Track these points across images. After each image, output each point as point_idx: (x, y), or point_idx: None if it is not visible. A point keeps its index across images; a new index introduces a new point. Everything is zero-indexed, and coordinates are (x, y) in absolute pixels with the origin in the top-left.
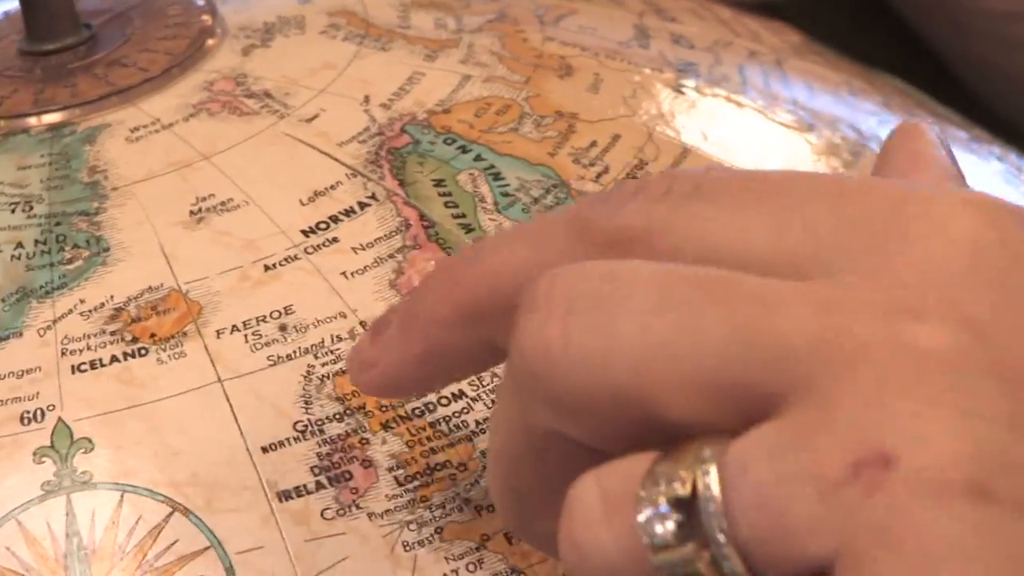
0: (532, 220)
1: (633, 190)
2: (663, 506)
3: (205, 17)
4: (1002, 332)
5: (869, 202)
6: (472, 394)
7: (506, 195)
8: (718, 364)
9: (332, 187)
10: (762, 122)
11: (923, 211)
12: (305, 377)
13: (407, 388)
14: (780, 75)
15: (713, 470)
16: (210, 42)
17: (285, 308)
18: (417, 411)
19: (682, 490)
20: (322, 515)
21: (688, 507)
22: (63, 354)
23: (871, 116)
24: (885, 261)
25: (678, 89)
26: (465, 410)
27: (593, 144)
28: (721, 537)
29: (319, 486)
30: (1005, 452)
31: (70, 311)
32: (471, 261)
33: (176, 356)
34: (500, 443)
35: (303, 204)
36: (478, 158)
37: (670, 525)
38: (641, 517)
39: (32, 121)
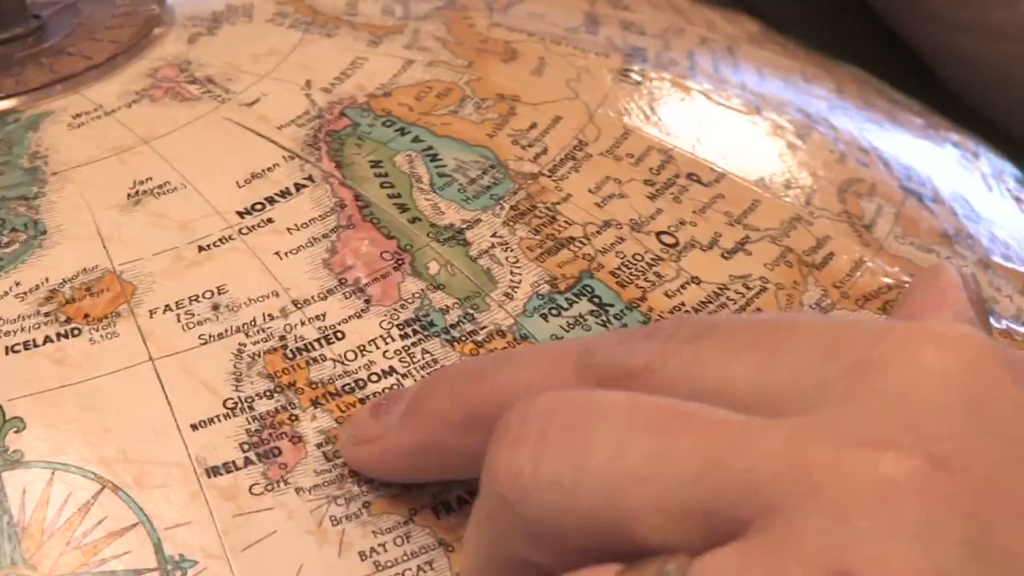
0: (549, 345)
1: (645, 333)
2: None
3: (153, 6)
4: (966, 464)
5: (849, 340)
6: (402, 370)
7: (442, 175)
8: (687, 492)
9: (269, 169)
10: (706, 104)
11: (897, 345)
12: (236, 355)
13: (396, 473)
14: (731, 61)
15: None
16: (157, 31)
17: (218, 288)
18: (347, 387)
19: None
20: (250, 491)
21: None
22: None
23: (821, 100)
24: (856, 394)
25: (623, 73)
26: (395, 387)
27: (533, 126)
28: None
29: (248, 462)
30: None
31: (5, 293)
32: (483, 372)
33: (109, 336)
34: (471, 568)
35: (239, 186)
36: (416, 140)
37: None
38: None
39: None
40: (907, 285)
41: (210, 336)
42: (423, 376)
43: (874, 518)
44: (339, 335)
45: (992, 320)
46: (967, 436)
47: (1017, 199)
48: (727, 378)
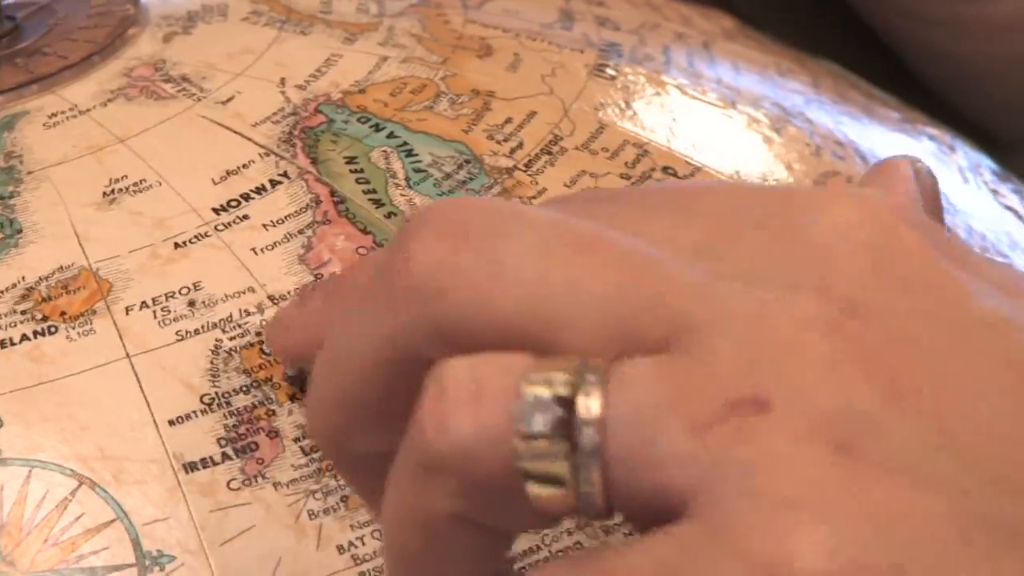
0: None
1: (565, 198)
2: (546, 399)
3: (127, 6)
4: (874, 312)
5: (760, 200)
6: None
7: (418, 171)
8: (605, 308)
9: (244, 166)
10: (681, 98)
11: (806, 203)
12: (213, 351)
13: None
14: (706, 56)
15: (597, 384)
16: (132, 30)
17: (194, 284)
18: None
19: (564, 391)
20: (228, 486)
21: (566, 408)
22: None
23: (797, 94)
24: (767, 246)
25: (598, 68)
26: None
27: (508, 120)
28: (590, 445)
29: (225, 457)
30: (874, 415)
31: None
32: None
33: (85, 333)
34: (353, 357)
35: (215, 183)
36: (391, 135)
37: (548, 417)
38: (520, 405)
39: None
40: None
41: (187, 332)
42: None
43: (787, 351)
44: None
45: None
46: (875, 288)
47: (994, 191)
48: (641, 231)
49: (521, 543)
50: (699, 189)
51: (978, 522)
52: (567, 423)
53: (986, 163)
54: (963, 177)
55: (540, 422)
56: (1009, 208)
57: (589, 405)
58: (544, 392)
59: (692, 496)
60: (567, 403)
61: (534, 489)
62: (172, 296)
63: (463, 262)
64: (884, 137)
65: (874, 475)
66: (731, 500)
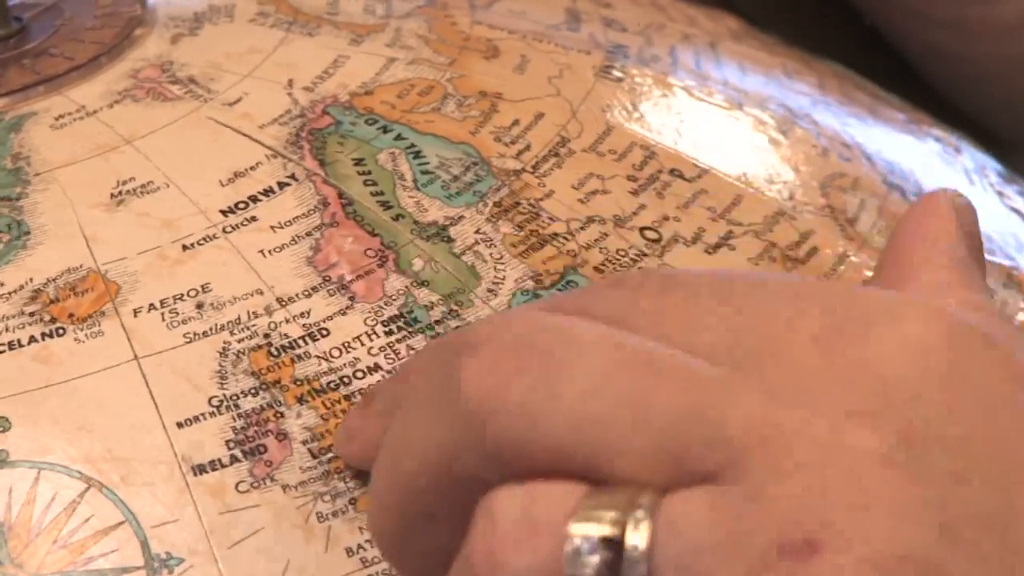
0: (519, 307)
1: (609, 282)
2: (595, 541)
3: (134, 7)
4: (938, 443)
5: (819, 304)
6: (387, 367)
7: (425, 173)
8: (660, 437)
9: (252, 168)
10: (688, 100)
11: (875, 315)
12: (221, 353)
13: None
14: (712, 57)
15: (646, 521)
16: (138, 31)
17: (202, 286)
18: (332, 384)
19: (612, 531)
20: (236, 488)
21: (615, 549)
22: None
23: (803, 96)
24: (826, 361)
25: (605, 69)
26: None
27: (516, 123)
28: None
29: (234, 459)
30: (930, 559)
31: None
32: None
33: (93, 335)
34: (410, 469)
35: (223, 185)
36: (399, 137)
37: (596, 560)
38: (571, 546)
39: None
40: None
41: (195, 334)
42: None
43: (841, 487)
44: (324, 332)
45: None
46: (938, 413)
47: (1000, 193)
48: (694, 331)
49: None
50: (756, 285)
51: None
52: (616, 564)
53: (991, 165)
54: (969, 179)
55: (589, 565)
56: (1015, 210)
57: (637, 544)
58: (593, 532)
59: None
60: (616, 544)
61: None
62: (180, 298)
63: (517, 388)
64: (890, 138)
65: None
66: None
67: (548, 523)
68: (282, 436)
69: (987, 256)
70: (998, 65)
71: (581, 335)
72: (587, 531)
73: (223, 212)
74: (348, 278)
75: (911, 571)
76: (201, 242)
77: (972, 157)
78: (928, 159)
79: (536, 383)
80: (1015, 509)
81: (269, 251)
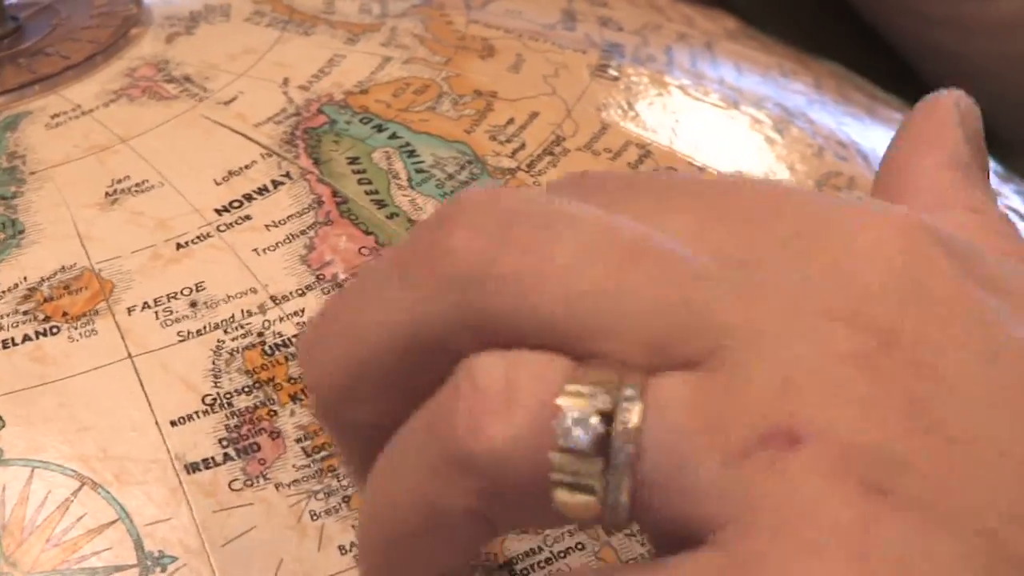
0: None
1: (570, 180)
2: (591, 415)
3: (130, 7)
4: (908, 343)
5: (790, 209)
6: None
7: (420, 171)
8: (644, 322)
9: (247, 167)
10: (684, 99)
11: (839, 220)
12: (215, 351)
13: None
14: (709, 56)
15: (637, 400)
16: (134, 30)
17: (196, 285)
18: None
19: (604, 406)
20: (230, 486)
21: (606, 425)
22: None
23: (799, 95)
24: (799, 264)
25: (601, 68)
26: None
27: (511, 121)
28: (624, 462)
29: (227, 458)
30: (905, 454)
31: None
32: None
33: (87, 334)
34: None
35: (217, 184)
36: (393, 136)
37: (588, 433)
38: (560, 419)
39: None
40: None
41: (188, 333)
42: None
43: (819, 383)
44: None
45: None
46: (910, 318)
47: (996, 193)
48: (665, 229)
49: (522, 544)
50: (724, 185)
51: (1003, 562)
52: (605, 439)
53: (989, 164)
54: None
55: (579, 438)
56: (1011, 208)
57: (627, 423)
58: (583, 406)
59: (719, 526)
60: (606, 419)
61: (562, 496)
62: (174, 297)
63: (509, 256)
64: (887, 138)
65: (901, 518)
66: (757, 537)
67: (533, 393)
68: (275, 434)
69: None
70: (995, 63)
71: (569, 211)
72: (579, 406)
73: (217, 211)
74: (342, 276)
75: (882, 464)
76: (195, 241)
77: None
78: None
79: (528, 253)
80: (982, 409)
81: (263, 249)
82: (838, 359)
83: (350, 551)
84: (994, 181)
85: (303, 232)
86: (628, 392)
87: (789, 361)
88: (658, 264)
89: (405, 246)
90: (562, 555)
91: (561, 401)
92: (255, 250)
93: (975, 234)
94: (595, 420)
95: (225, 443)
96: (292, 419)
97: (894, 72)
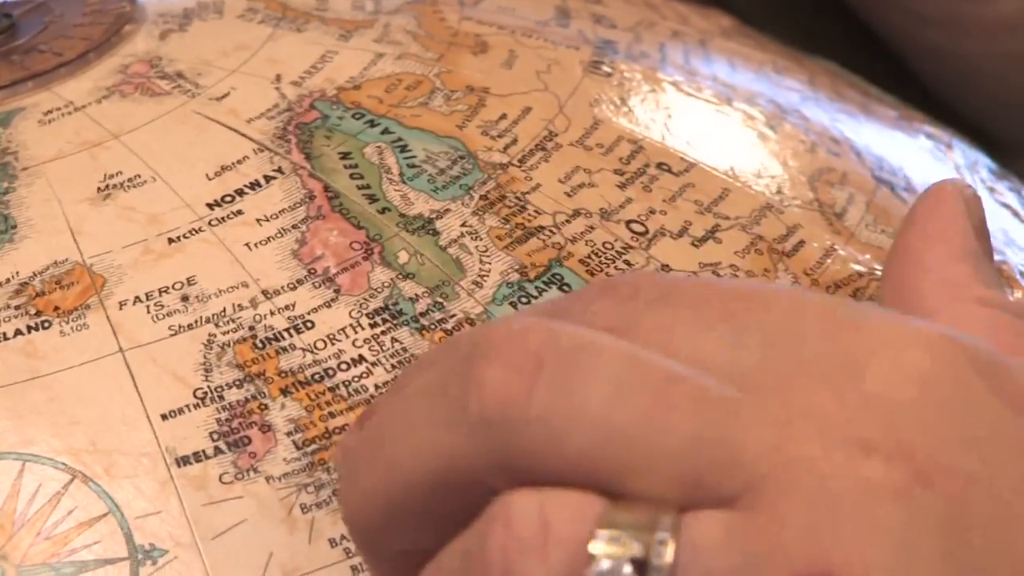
0: (513, 315)
1: (602, 289)
2: (624, 563)
3: (123, 4)
4: (946, 477)
5: (827, 328)
6: (372, 359)
7: (412, 166)
8: (677, 459)
9: (239, 162)
10: (676, 95)
11: (878, 343)
12: (206, 345)
13: None
14: (702, 53)
15: (671, 541)
16: (128, 28)
17: (188, 279)
18: (317, 376)
19: (636, 551)
20: (220, 479)
21: (639, 568)
22: None
23: (793, 92)
24: (838, 389)
25: (594, 65)
26: (365, 375)
27: (503, 116)
28: None
29: (217, 451)
30: None
31: None
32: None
33: (79, 328)
34: (409, 467)
35: (209, 179)
36: (385, 131)
37: None
38: (597, 565)
39: None
40: (881, 268)
41: (180, 327)
42: (393, 364)
43: (856, 521)
44: (308, 324)
45: None
46: (947, 448)
47: (991, 189)
48: (698, 348)
49: None
50: (757, 299)
51: None
52: None
53: (984, 161)
54: (960, 175)
55: None
56: (1005, 205)
57: (662, 564)
58: (617, 553)
59: None
60: (639, 566)
61: None
62: (165, 291)
63: (537, 399)
64: (880, 134)
65: None
66: None
67: (566, 533)
68: (266, 428)
69: None
70: (992, 64)
71: (598, 347)
72: (612, 550)
73: (209, 205)
74: (333, 271)
75: None
76: (187, 235)
77: (964, 154)
78: (919, 155)
79: (557, 394)
80: (1013, 550)
81: (255, 244)
82: (874, 494)
83: (340, 544)
84: (989, 178)
85: (295, 226)
86: (662, 534)
87: (824, 497)
88: (689, 400)
89: (438, 374)
90: None
91: (594, 548)
92: (247, 244)
93: (989, 331)
94: (628, 570)
95: (216, 436)
96: (282, 412)
97: (891, 73)
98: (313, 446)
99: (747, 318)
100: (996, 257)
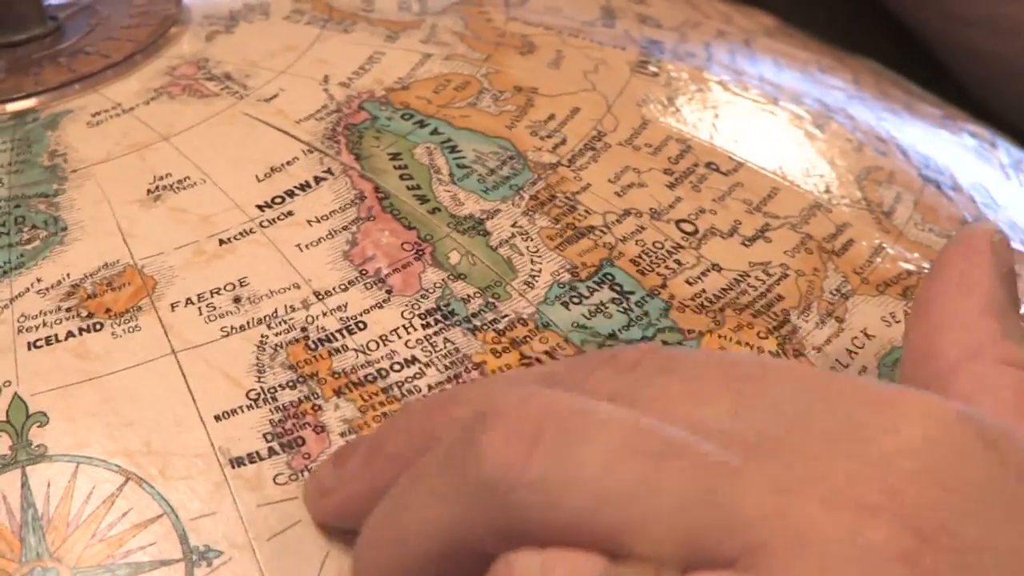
0: (508, 374)
1: (604, 359)
2: None
3: (169, 6)
4: (948, 540)
5: (831, 401)
6: (424, 359)
7: (462, 167)
8: (675, 520)
9: (288, 163)
10: (723, 94)
11: (881, 412)
12: (258, 347)
13: (363, 519)
14: (748, 53)
15: None
16: (174, 29)
17: (239, 280)
18: (370, 377)
19: None
20: (274, 480)
21: None
22: (19, 331)
23: (838, 91)
24: (842, 456)
25: (640, 65)
26: (418, 375)
27: (551, 117)
28: None
29: (271, 452)
30: None
31: (27, 289)
32: (439, 405)
33: (131, 330)
34: (417, 541)
35: (259, 180)
36: (435, 132)
37: None
38: None
39: None
40: (929, 267)
41: (232, 328)
42: (445, 365)
43: None
44: (361, 325)
45: None
46: (949, 513)
47: None
48: (700, 418)
49: None
50: (756, 373)
51: None
52: None
53: None
54: (1004, 174)
55: None
56: None
57: None
58: None
59: None
60: None
61: None
62: (217, 292)
63: (536, 465)
64: (926, 133)
65: None
66: None
67: None
68: (320, 428)
69: (1023, 248)
70: None
71: (596, 414)
72: None
73: (259, 207)
74: (385, 271)
75: None
76: (238, 237)
77: (1008, 153)
78: (964, 154)
79: (555, 458)
80: None
81: (306, 245)
82: (878, 557)
83: None
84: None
85: (345, 227)
86: None
87: (827, 559)
88: (687, 462)
89: (443, 447)
90: None
91: None
92: (297, 245)
93: (1010, 391)
94: None
95: (269, 437)
96: (336, 413)
97: (931, 78)
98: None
99: (750, 390)
100: None
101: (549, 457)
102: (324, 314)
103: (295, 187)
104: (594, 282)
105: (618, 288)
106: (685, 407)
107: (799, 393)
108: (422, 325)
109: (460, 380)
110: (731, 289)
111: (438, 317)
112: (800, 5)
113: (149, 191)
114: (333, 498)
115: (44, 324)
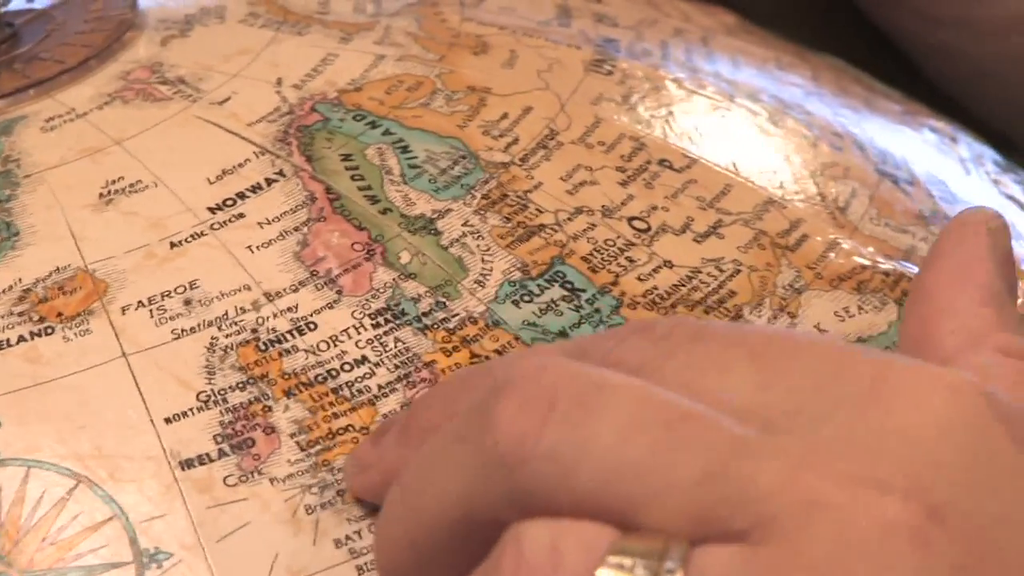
0: (540, 347)
1: (635, 328)
2: None
3: (125, 11)
4: (961, 519)
5: (849, 372)
6: (374, 359)
7: (413, 167)
8: (688, 494)
9: (240, 165)
10: (678, 92)
11: (899, 387)
12: (209, 348)
13: None
14: (704, 51)
15: (679, 574)
16: (129, 34)
17: (190, 283)
18: (320, 377)
19: None
20: (224, 482)
21: None
22: None
23: (796, 87)
24: (856, 430)
25: (595, 63)
26: (368, 375)
27: (504, 116)
28: None
29: (222, 454)
30: None
31: None
32: (472, 379)
33: (82, 333)
34: (433, 507)
35: (211, 183)
36: (387, 132)
37: None
38: None
39: None
40: (884, 261)
41: (182, 331)
42: (396, 364)
43: (870, 559)
44: (311, 326)
45: None
46: (963, 490)
47: (996, 182)
48: (723, 388)
49: None
50: (785, 346)
51: None
52: None
53: (989, 154)
54: (964, 168)
55: None
56: (1010, 197)
57: None
58: None
59: None
60: None
61: None
62: (168, 295)
63: (549, 435)
64: (884, 128)
65: None
66: None
67: (577, 563)
68: (270, 430)
69: None
70: (1003, 64)
71: (611, 385)
72: None
73: (211, 209)
74: (336, 272)
75: None
76: (189, 239)
77: (969, 147)
78: (923, 148)
79: (567, 430)
80: None
81: (257, 247)
82: (889, 533)
83: (345, 544)
84: (994, 171)
85: (296, 229)
86: (670, 564)
87: (838, 534)
88: (701, 435)
89: (459, 420)
90: None
91: (602, 573)
92: (249, 247)
93: (1006, 380)
94: None
95: (220, 439)
96: (286, 414)
97: (903, 77)
98: (317, 447)
99: (774, 361)
100: None
101: (562, 427)
102: (275, 315)
103: (246, 189)
104: (545, 280)
105: (569, 286)
106: (710, 378)
107: (823, 366)
108: (372, 325)
109: (410, 379)
110: (683, 285)
111: (388, 317)
112: (773, 5)
113: (101, 195)
114: (370, 473)
115: None
